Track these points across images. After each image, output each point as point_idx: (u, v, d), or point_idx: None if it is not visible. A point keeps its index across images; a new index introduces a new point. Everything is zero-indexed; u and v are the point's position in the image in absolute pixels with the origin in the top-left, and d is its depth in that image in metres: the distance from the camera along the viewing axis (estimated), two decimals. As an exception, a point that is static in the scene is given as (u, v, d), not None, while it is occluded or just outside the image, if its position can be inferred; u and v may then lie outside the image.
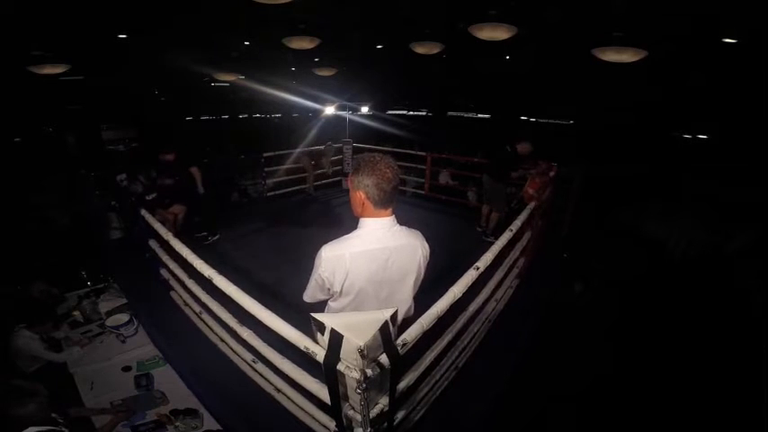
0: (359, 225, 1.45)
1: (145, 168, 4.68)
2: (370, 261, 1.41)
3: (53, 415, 1.83)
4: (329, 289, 1.47)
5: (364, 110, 12.28)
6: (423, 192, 6.69)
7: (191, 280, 2.57)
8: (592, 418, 2.78)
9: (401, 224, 1.49)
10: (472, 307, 2.34)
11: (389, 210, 1.43)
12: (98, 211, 5.08)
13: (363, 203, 1.40)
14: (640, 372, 3.23)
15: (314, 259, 1.48)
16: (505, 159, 4.59)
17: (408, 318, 1.61)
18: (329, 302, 1.56)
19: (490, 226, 4.81)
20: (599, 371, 3.15)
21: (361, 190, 1.37)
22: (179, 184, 4.64)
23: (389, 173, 1.36)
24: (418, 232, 1.54)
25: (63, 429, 1.78)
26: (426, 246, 1.53)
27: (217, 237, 4.77)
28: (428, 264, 1.58)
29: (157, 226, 2.91)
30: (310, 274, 1.50)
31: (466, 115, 16.51)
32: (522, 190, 4.65)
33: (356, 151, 7.06)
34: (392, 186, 1.37)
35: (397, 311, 1.27)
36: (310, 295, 1.55)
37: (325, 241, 1.47)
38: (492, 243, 2.37)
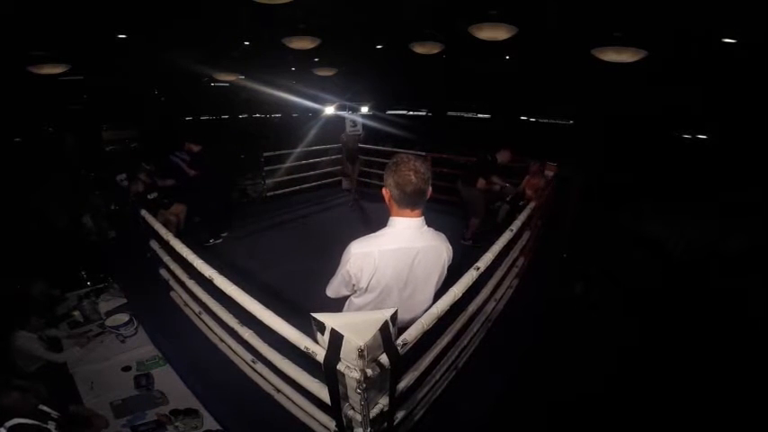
0: (389, 223, 1.47)
1: (146, 167, 4.67)
2: (398, 259, 1.44)
3: (45, 408, 1.82)
4: (354, 285, 1.51)
5: (364, 110, 12.27)
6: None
7: (191, 280, 2.57)
8: (593, 418, 2.77)
9: None
10: (472, 307, 2.34)
11: (417, 211, 1.44)
12: (97, 211, 5.09)
13: (390, 202, 1.44)
14: (644, 372, 3.23)
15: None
16: (480, 165, 4.53)
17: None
18: (352, 298, 1.60)
19: (469, 230, 4.70)
20: (601, 371, 3.15)
21: (386, 188, 1.43)
22: (180, 183, 4.64)
23: (411, 176, 1.36)
24: (443, 235, 1.56)
25: (48, 426, 1.76)
26: (450, 248, 1.56)
27: (220, 240, 4.77)
28: None
29: (158, 226, 2.91)
30: (333, 272, 1.55)
31: (466, 115, 16.50)
32: (521, 187, 4.66)
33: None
34: (413, 190, 1.37)
35: (397, 311, 1.28)
36: (334, 290, 1.58)
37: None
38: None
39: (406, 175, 1.36)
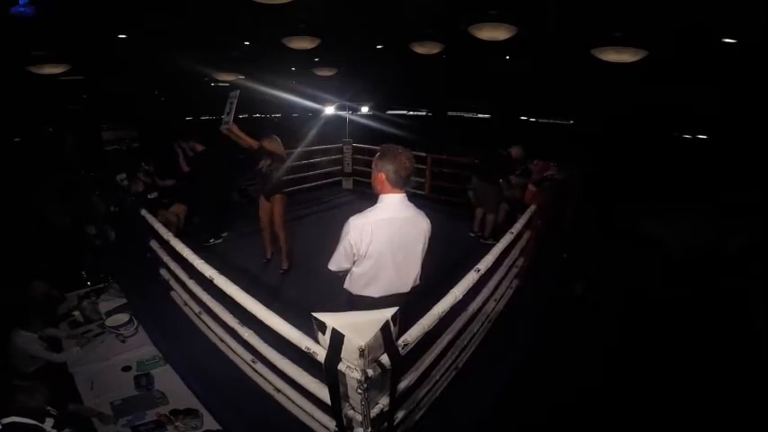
0: (378, 200, 1.76)
1: (145, 166, 4.67)
2: (388, 227, 1.71)
3: (47, 407, 1.81)
4: (354, 254, 1.73)
5: (364, 110, 12.29)
6: (423, 192, 6.68)
7: (191, 280, 2.57)
8: (593, 418, 2.77)
9: None
10: (472, 307, 2.34)
11: (403, 189, 1.75)
12: (96, 211, 5.09)
13: (383, 183, 1.73)
14: (645, 372, 3.22)
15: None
16: (497, 161, 4.59)
17: (416, 286, 1.86)
18: (352, 269, 1.80)
19: (487, 229, 4.76)
20: (601, 372, 3.15)
21: (382, 172, 1.71)
22: (180, 183, 4.63)
23: (408, 162, 1.71)
24: (421, 211, 1.83)
25: (44, 426, 1.75)
26: (428, 221, 1.82)
27: (220, 240, 4.76)
28: (430, 255, 1.84)
29: (158, 226, 2.91)
30: (331, 252, 1.80)
31: (466, 115, 16.51)
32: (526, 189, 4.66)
33: (356, 151, 7.05)
34: (408, 173, 1.72)
35: (398, 311, 1.29)
36: (336, 263, 1.81)
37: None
38: (491, 245, 2.40)
39: (403, 162, 1.69)
